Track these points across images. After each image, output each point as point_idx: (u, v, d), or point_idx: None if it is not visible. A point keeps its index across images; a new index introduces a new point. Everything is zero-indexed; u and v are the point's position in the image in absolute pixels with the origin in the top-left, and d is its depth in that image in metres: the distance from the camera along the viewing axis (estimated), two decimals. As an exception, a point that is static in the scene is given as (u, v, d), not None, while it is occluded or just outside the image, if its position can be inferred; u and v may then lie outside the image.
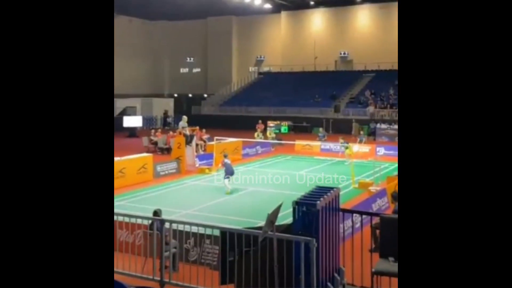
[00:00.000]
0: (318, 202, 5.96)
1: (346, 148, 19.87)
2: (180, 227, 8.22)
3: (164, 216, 9.53)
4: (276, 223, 5.55)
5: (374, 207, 11.90)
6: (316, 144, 21.61)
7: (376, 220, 7.27)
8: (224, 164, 15.30)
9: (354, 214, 8.07)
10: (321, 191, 6.57)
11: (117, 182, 15.64)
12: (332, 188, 6.73)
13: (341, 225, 7.16)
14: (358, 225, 8.98)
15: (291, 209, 5.96)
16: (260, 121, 28.37)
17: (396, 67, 37.94)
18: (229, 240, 6.44)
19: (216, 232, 7.33)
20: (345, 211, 7.27)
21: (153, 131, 26.38)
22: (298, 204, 5.95)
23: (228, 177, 14.91)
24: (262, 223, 5.48)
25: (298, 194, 6.37)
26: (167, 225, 7.81)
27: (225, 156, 15.77)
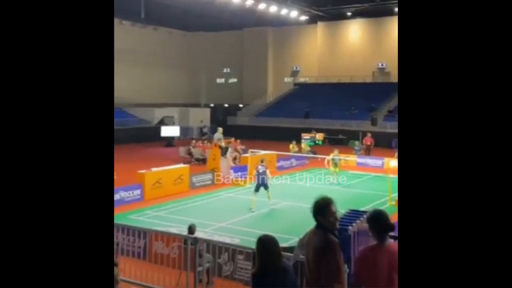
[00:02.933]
0: (350, 227, 5.93)
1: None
2: (215, 239, 8.36)
3: (198, 229, 9.74)
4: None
5: (409, 226, 11.71)
6: (352, 158, 21.41)
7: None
8: (256, 174, 14.96)
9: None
10: (354, 215, 6.51)
11: (154, 193, 16.03)
12: (365, 212, 6.67)
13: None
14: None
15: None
16: (369, 134, 27.93)
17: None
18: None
19: (249, 244, 7.37)
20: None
21: (193, 141, 26.76)
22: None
23: (258, 190, 14.53)
24: (295, 239, 5.46)
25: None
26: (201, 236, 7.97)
27: (262, 161, 15.64)
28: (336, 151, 20.15)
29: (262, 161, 15.73)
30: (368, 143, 26.98)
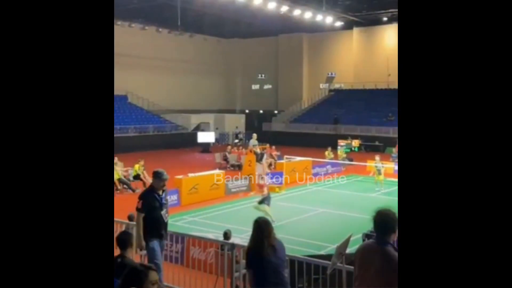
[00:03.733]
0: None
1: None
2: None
3: (234, 235, 9.80)
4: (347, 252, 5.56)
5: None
6: (389, 165, 21.09)
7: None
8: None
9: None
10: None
11: (190, 198, 16.25)
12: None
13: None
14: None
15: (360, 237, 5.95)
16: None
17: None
18: (298, 266, 6.53)
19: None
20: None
21: (229, 147, 26.98)
22: (367, 237, 5.95)
23: (268, 203, 14.01)
24: (332, 246, 5.47)
25: (368, 217, 6.35)
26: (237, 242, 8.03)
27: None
28: (377, 158, 19.79)
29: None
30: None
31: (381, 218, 3.88)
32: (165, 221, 7.18)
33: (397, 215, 3.21)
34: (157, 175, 7.14)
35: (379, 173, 18.90)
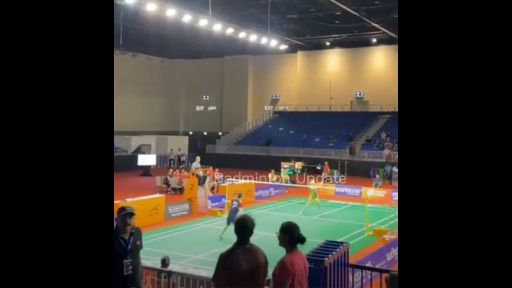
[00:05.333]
0: (326, 258, 5.80)
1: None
2: (189, 272, 8.07)
3: (173, 261, 9.39)
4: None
5: (388, 257, 11.56)
6: (330, 188, 21.33)
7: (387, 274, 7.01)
8: (232, 208, 14.81)
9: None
10: (330, 246, 6.40)
11: (128, 224, 15.56)
12: (341, 243, 6.54)
13: (350, 280, 6.94)
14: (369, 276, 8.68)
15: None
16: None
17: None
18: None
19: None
20: (354, 266, 7.03)
21: (171, 170, 26.37)
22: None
23: (229, 223, 14.06)
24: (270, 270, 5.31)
25: (311, 241, 6.18)
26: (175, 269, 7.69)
27: (239, 196, 15.36)
28: (312, 181, 19.90)
29: (239, 196, 15.47)
30: (328, 171, 29.07)
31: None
32: (125, 273, 5.19)
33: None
34: (118, 212, 5.35)
35: (315, 196, 18.96)
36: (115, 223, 5.31)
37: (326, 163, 30.55)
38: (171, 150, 40.34)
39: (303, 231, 4.58)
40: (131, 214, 5.32)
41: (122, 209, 5.41)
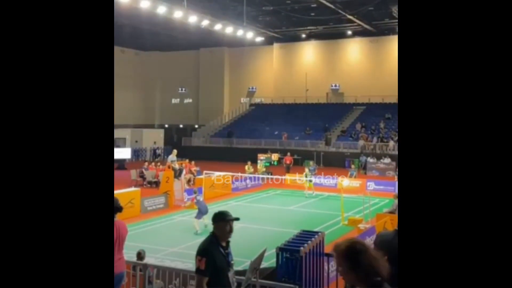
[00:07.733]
0: (302, 248, 5.85)
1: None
2: (166, 264, 8.04)
3: (149, 254, 9.34)
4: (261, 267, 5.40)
5: (363, 246, 11.72)
6: (306, 178, 21.51)
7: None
8: (197, 203, 14.81)
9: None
10: (306, 235, 6.47)
11: (103, 217, 15.39)
12: (317, 233, 6.62)
13: (326, 268, 7.02)
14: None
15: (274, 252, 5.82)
16: (288, 154, 30.94)
17: (386, 100, 38.58)
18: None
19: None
20: (330, 255, 7.12)
21: (146, 163, 26.12)
22: (281, 250, 5.84)
23: (200, 217, 14.26)
24: (248, 262, 5.33)
25: (287, 231, 6.28)
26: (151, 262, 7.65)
27: (196, 193, 15.26)
28: (306, 170, 21.01)
29: (196, 193, 15.38)
30: (288, 162, 29.37)
31: None
32: None
33: None
34: (220, 218, 4.66)
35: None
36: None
37: (288, 154, 31.21)
38: (136, 141, 40.12)
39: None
40: (236, 219, 4.74)
41: (222, 213, 4.71)
